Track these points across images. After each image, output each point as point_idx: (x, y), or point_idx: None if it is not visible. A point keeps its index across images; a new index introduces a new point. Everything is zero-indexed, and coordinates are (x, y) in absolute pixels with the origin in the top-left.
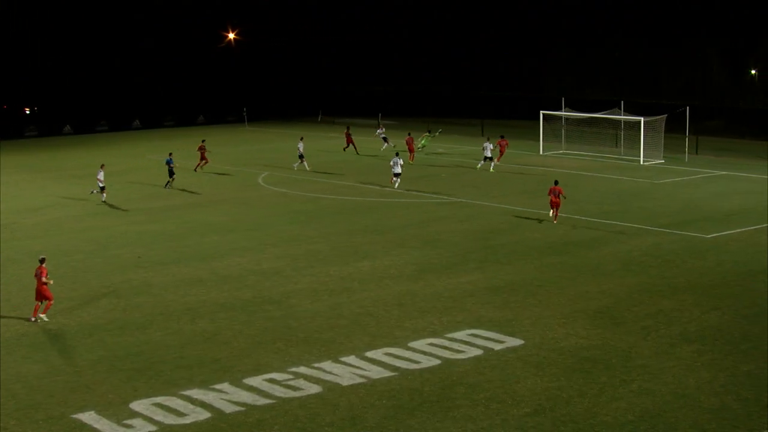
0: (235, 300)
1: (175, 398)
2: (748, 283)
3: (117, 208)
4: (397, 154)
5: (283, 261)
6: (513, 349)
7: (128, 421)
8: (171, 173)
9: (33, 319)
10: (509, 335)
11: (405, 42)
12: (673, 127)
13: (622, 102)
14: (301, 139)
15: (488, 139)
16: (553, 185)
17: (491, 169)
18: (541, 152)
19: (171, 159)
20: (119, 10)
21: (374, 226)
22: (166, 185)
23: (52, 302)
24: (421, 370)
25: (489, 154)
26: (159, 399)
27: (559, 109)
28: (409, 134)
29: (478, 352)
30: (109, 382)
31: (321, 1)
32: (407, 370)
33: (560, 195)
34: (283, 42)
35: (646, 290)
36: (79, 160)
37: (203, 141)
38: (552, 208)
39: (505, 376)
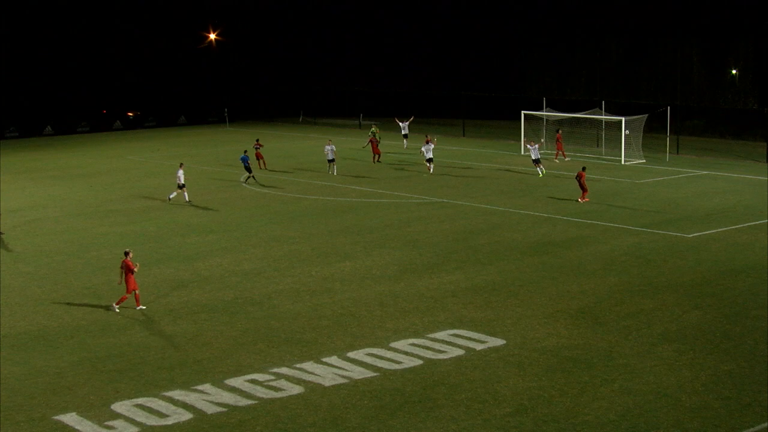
0: (217, 301)
1: (156, 399)
2: (729, 283)
3: (98, 209)
4: (427, 142)
5: (264, 262)
6: (495, 349)
7: (110, 423)
8: (248, 170)
9: (115, 307)
10: (491, 335)
11: (385, 42)
12: (654, 127)
13: (603, 102)
14: (330, 141)
15: (531, 141)
16: (581, 170)
17: (544, 172)
18: (522, 152)
19: (247, 156)
20: (98, 11)
21: (355, 227)
22: (245, 180)
23: (127, 296)
24: (403, 371)
25: (536, 156)
26: (141, 400)
27: (540, 109)
28: (427, 135)
29: (460, 352)
30: (90, 384)
31: (301, 1)
32: (389, 370)
33: (581, 179)
34: (264, 42)
35: (627, 290)
36: (60, 161)
37: (257, 140)
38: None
39: (486, 376)
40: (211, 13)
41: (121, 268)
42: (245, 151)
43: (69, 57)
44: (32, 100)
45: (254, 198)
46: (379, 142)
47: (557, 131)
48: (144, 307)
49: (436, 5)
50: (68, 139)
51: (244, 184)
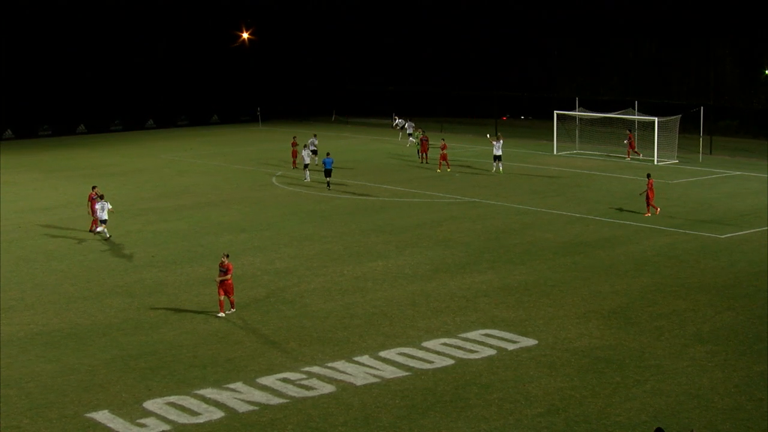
0: (249, 299)
1: (188, 397)
2: (762, 284)
3: (131, 208)
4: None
5: (296, 261)
6: (526, 349)
7: (142, 420)
8: (327, 174)
9: (221, 314)
10: (523, 335)
11: (418, 41)
12: (687, 128)
13: (636, 102)
14: (305, 147)
15: (498, 137)
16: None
17: (499, 171)
18: (555, 152)
19: (331, 159)
20: (132, 10)
21: (387, 226)
22: (328, 186)
23: (232, 298)
24: (435, 370)
25: (499, 153)
26: (172, 398)
27: (573, 109)
28: (443, 140)
29: (492, 352)
30: (122, 381)
31: (334, 0)
32: (421, 369)
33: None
34: (296, 41)
35: (660, 290)
36: (93, 159)
37: (294, 137)
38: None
39: (518, 376)
40: (244, 11)
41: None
42: (328, 154)
43: (102, 55)
44: (65, 98)
45: (286, 197)
46: (426, 144)
47: (629, 130)
48: (223, 315)
49: (470, 4)
50: (101, 138)
51: (328, 189)
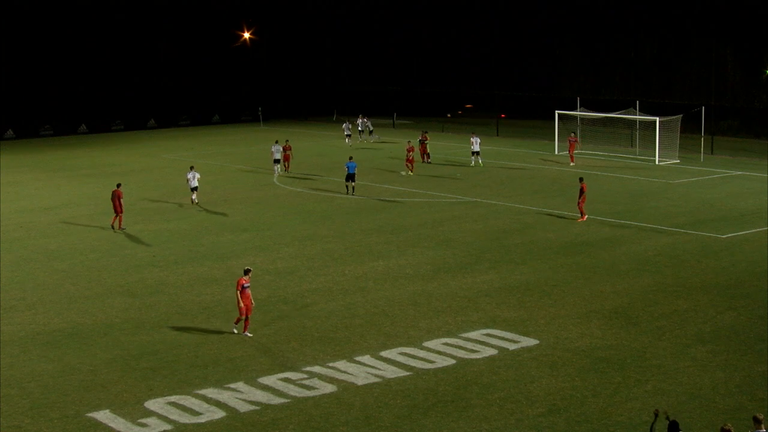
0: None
1: (190, 397)
2: (763, 284)
3: (132, 207)
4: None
5: (297, 260)
6: (528, 349)
7: (143, 420)
8: (350, 178)
9: (237, 332)
10: (524, 335)
11: (419, 42)
12: (688, 127)
13: (638, 102)
14: (286, 141)
15: (473, 134)
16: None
17: (481, 164)
18: (556, 152)
19: (354, 164)
20: (132, 10)
21: (388, 226)
22: (350, 191)
23: (241, 317)
24: (436, 370)
25: (477, 149)
26: (174, 398)
27: (575, 109)
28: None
29: (493, 351)
30: (124, 381)
31: (336, 1)
32: (422, 369)
33: (582, 192)
34: (298, 41)
35: (661, 290)
36: (94, 159)
37: (287, 141)
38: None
39: (519, 376)
40: (245, 11)
41: (237, 289)
42: (350, 158)
43: (103, 55)
44: (67, 98)
45: (287, 197)
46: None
47: (573, 133)
48: (250, 335)
49: (470, 4)
50: (103, 137)
51: (351, 196)
